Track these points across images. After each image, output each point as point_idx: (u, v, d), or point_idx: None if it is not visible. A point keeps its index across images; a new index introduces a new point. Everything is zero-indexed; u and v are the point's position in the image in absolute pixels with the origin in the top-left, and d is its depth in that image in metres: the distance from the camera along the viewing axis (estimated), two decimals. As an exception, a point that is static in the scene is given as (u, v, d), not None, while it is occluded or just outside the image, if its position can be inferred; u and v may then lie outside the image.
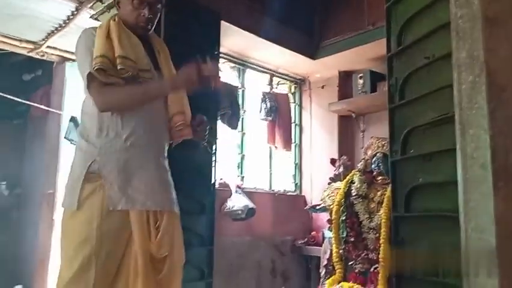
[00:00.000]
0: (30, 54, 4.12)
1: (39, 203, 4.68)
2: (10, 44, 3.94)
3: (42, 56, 4.15)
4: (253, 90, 4.52)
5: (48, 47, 4.01)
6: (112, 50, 1.73)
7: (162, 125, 1.88)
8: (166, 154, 1.91)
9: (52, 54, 4.17)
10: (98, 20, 3.20)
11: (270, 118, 4.39)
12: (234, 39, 3.78)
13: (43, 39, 3.91)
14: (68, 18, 3.44)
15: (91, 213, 1.67)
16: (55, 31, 3.71)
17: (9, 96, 4.45)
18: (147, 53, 1.87)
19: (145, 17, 1.84)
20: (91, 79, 1.72)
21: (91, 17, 3.31)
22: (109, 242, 1.68)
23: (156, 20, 1.92)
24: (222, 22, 3.39)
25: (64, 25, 3.57)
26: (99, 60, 1.69)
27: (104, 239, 1.66)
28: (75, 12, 3.33)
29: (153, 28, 1.93)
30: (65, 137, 4.28)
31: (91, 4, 3.18)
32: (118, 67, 1.71)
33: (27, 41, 3.97)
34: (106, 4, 3.08)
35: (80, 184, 1.68)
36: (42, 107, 4.79)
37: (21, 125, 5.64)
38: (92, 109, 1.76)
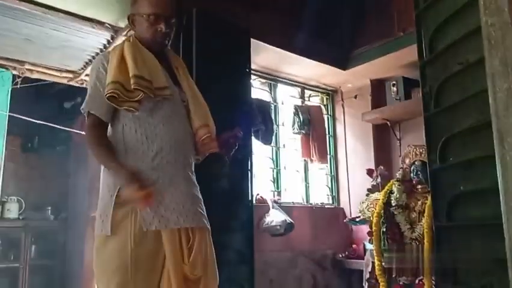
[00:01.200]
0: (70, 83, 4.30)
1: (84, 227, 4.83)
2: (51, 74, 4.13)
3: (82, 84, 4.31)
4: (285, 104, 4.54)
5: (86, 75, 4.17)
6: (126, 72, 1.70)
7: (188, 140, 1.84)
8: (193, 169, 1.88)
9: (91, 82, 4.32)
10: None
11: (303, 131, 4.39)
12: (264, 55, 3.82)
13: (82, 68, 4.09)
14: (105, 47, 3.58)
15: (124, 238, 1.63)
16: (93, 60, 3.87)
17: (51, 125, 4.66)
18: (165, 70, 1.85)
19: (162, 32, 1.81)
20: (87, 116, 1.75)
21: (125, 45, 3.42)
22: (145, 265, 1.65)
23: (172, 35, 1.89)
24: (252, 39, 3.44)
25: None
26: (110, 87, 1.66)
27: (140, 263, 1.63)
28: (111, 41, 3.47)
29: (169, 43, 1.91)
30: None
31: (125, 32, 3.30)
32: (132, 87, 1.68)
33: (67, 71, 4.15)
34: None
35: (111, 209, 1.65)
36: (82, 133, 4.96)
37: (64, 151, 5.86)
38: (115, 129, 1.75)
